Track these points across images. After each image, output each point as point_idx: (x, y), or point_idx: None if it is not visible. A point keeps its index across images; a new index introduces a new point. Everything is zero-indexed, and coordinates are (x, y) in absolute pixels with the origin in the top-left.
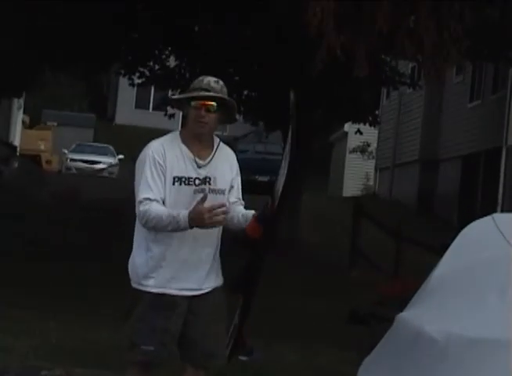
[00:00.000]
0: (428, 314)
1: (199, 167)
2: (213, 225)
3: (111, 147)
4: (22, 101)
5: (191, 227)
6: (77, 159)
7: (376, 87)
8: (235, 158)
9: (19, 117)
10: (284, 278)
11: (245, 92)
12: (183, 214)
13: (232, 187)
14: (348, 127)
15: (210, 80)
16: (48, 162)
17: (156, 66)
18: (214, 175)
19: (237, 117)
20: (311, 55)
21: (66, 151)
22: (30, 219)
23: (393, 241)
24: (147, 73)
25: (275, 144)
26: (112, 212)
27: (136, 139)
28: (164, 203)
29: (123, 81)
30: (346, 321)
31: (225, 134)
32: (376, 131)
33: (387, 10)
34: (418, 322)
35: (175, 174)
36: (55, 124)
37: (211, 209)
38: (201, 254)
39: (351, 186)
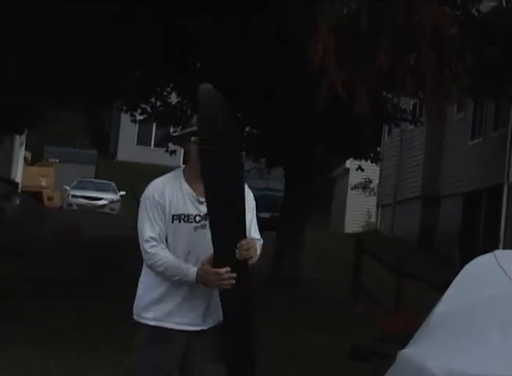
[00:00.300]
0: (430, 351)
1: (200, 203)
2: (220, 287)
3: (113, 184)
4: (24, 138)
5: (197, 283)
6: (79, 195)
7: (377, 124)
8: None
9: (20, 154)
10: (286, 314)
11: (247, 129)
12: (192, 270)
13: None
14: (350, 163)
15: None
16: (50, 199)
17: (158, 103)
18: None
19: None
20: (312, 91)
21: (67, 188)
22: (30, 256)
23: (394, 277)
24: (149, 109)
25: (277, 180)
26: (112, 248)
27: (138, 175)
28: (166, 240)
29: (125, 118)
30: (348, 357)
31: None
32: (378, 168)
33: (388, 47)
34: (420, 358)
35: (174, 212)
36: (57, 160)
37: (218, 273)
38: (202, 291)
39: (353, 223)
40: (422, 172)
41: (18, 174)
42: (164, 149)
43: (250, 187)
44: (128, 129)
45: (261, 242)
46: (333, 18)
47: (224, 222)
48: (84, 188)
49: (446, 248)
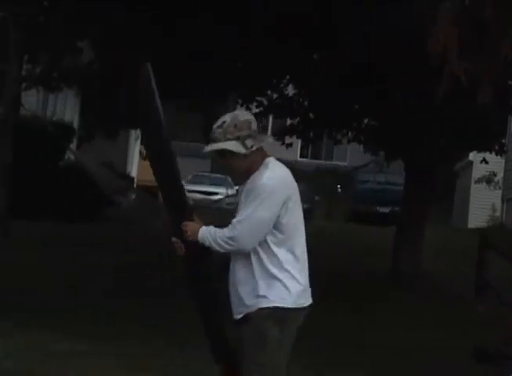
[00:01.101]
0: None
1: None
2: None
3: (228, 178)
4: (139, 132)
5: None
6: (194, 190)
7: (502, 114)
8: (259, 181)
9: (136, 149)
10: (403, 308)
11: (365, 121)
12: None
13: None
14: (473, 156)
15: (215, 127)
16: None
17: (274, 95)
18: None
19: (249, 147)
20: (432, 83)
21: (183, 182)
22: (142, 251)
23: None
24: (265, 102)
25: (397, 174)
26: None
27: None
28: None
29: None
30: (471, 357)
31: (344, 164)
32: (503, 161)
33: None
34: None
35: None
36: None
37: (173, 241)
38: (234, 279)
39: (477, 217)
40: None
41: (133, 168)
42: (280, 142)
43: (368, 181)
44: None
45: (239, 221)
46: (454, 7)
47: (166, 193)
48: (199, 182)
49: None
